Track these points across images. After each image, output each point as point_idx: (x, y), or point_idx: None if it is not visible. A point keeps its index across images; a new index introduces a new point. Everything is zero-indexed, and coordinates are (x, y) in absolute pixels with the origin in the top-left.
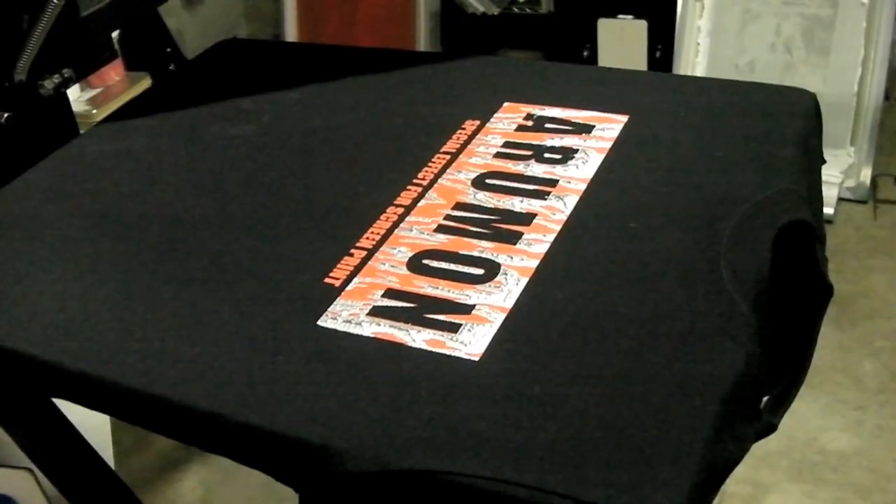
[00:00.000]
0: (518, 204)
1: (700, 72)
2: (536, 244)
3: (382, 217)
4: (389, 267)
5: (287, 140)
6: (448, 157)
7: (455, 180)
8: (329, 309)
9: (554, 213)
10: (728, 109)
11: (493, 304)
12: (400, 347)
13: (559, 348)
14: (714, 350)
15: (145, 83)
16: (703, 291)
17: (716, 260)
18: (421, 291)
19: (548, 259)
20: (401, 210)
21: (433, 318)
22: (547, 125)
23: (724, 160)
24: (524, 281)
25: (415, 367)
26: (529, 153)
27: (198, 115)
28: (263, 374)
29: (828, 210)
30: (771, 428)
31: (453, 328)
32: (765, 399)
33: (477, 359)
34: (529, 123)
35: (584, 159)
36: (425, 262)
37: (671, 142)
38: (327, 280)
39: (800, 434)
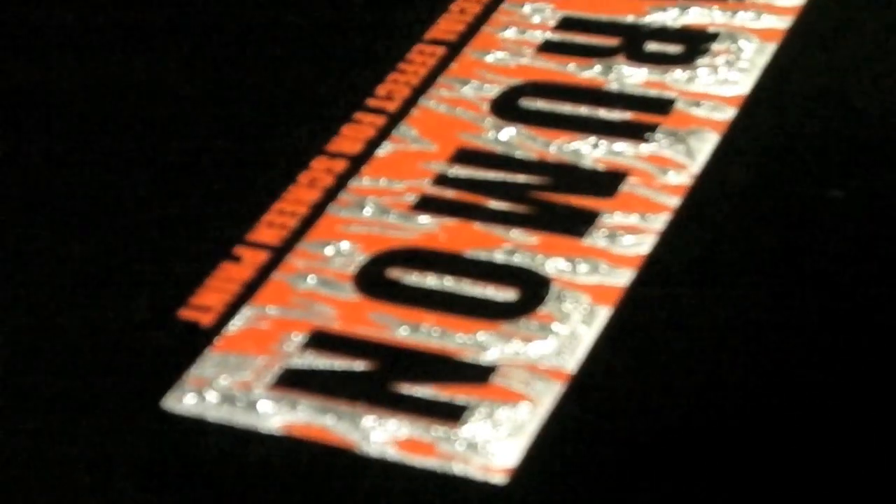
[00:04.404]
0: (589, 151)
1: None
2: (628, 237)
3: (302, 178)
4: (317, 284)
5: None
6: (441, 50)
7: (455, 100)
8: (188, 373)
9: (666, 170)
10: None
11: (538, 362)
12: (340, 457)
13: (677, 461)
14: None
15: None
16: None
17: None
18: (384, 336)
19: (653, 269)
20: (341, 164)
21: (410, 397)
22: None
23: None
24: (603, 314)
25: (370, 498)
26: (613, 42)
27: None
28: None
29: None
30: None
31: (452, 415)
32: None
33: (503, 481)
34: None
35: (732, 55)
36: (394, 274)
37: None
38: (186, 312)
39: None
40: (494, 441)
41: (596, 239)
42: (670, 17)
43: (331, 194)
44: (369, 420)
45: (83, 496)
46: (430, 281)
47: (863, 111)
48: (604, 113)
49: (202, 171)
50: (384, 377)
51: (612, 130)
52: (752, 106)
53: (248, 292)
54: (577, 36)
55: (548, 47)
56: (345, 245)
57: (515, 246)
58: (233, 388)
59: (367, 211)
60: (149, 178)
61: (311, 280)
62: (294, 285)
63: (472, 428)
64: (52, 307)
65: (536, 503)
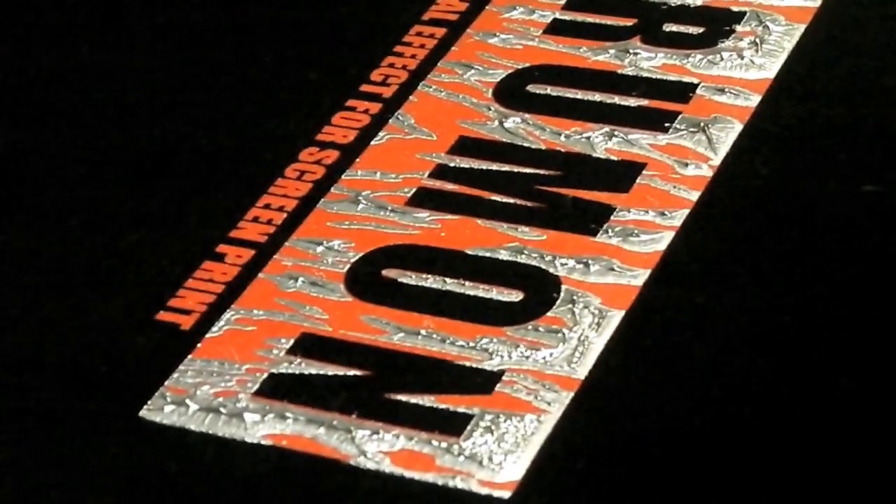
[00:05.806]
0: (602, 142)
1: None
2: (644, 234)
3: (290, 170)
4: (304, 285)
5: None
6: (441, 31)
7: (457, 86)
8: (168, 382)
9: (685, 162)
10: None
11: (546, 369)
12: (332, 470)
13: (694, 476)
14: None
15: None
16: None
17: None
18: (379, 342)
19: (670, 269)
20: (333, 154)
21: (407, 407)
22: None
23: None
24: (616, 318)
25: None
26: (629, 23)
27: None
28: None
29: None
30: None
31: (453, 425)
32: None
33: (507, 496)
34: None
35: (757, 37)
36: (389, 274)
37: None
38: (165, 315)
39: None
40: (498, 454)
41: (609, 236)
42: None
43: (321, 188)
44: (363, 431)
45: None
46: (429, 281)
47: None
48: (618, 100)
49: (182, 163)
50: (379, 385)
51: (628, 119)
52: (779, 92)
53: (231, 293)
54: (589, 16)
55: (557, 28)
56: (336, 243)
57: (522, 244)
58: (216, 396)
59: (361, 206)
60: (125, 171)
61: (300, 280)
62: (281, 286)
63: (475, 440)
64: (21, 311)
65: None
